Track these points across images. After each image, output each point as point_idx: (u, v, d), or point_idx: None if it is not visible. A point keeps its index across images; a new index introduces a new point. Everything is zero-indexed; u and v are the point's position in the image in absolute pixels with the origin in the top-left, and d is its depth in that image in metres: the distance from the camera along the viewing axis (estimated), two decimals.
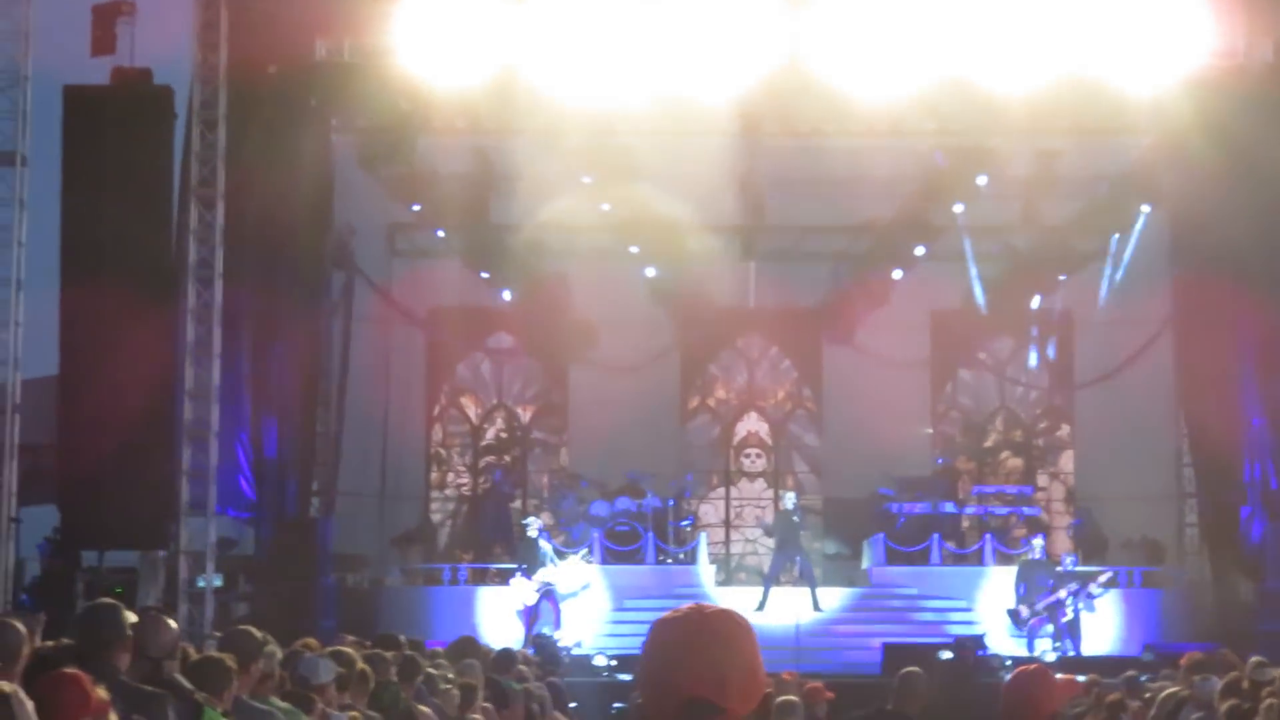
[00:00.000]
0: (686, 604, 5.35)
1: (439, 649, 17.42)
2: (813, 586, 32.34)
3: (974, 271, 36.73)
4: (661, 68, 29.48)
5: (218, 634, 17.60)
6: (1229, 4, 29.21)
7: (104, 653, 9.06)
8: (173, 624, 10.34)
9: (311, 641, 14.73)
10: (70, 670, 8.41)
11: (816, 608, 31.89)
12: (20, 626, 8.80)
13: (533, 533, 31.35)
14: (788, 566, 33.31)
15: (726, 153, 34.14)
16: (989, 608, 31.82)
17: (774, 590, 32.60)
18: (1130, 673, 20.11)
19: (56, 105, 29.54)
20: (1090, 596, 30.41)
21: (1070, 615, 30.29)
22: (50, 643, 11.23)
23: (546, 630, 30.16)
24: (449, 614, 31.85)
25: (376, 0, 29.31)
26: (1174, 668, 20.05)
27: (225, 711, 10.27)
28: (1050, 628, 30.33)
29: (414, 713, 13.34)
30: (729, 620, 5.23)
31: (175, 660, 10.31)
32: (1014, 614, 30.46)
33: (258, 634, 11.74)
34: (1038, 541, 32.01)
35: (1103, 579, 30.79)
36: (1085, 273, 36.40)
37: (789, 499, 34.03)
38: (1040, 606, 30.36)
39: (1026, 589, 30.68)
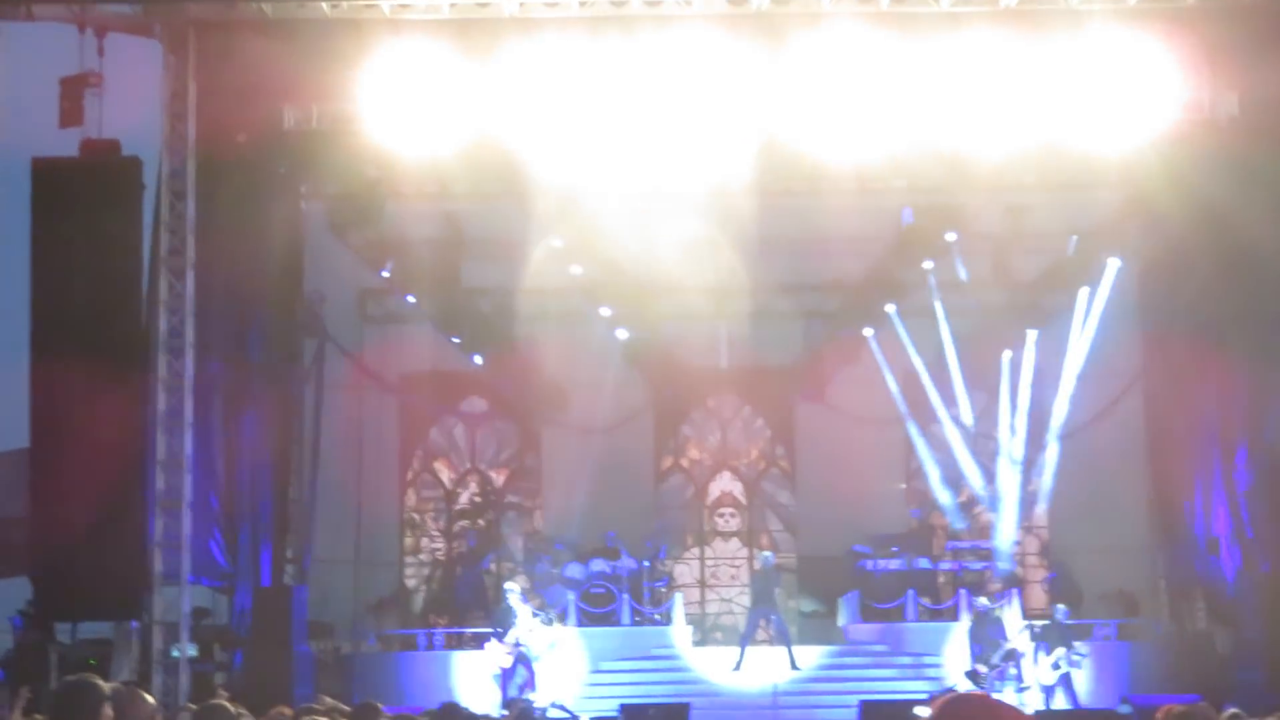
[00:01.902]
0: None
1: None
2: (788, 645, 32.31)
3: (944, 328, 36.78)
4: (630, 130, 29.54)
5: (193, 706, 17.53)
6: (1194, 59, 29.36)
7: None
8: (149, 698, 10.30)
9: (286, 710, 14.69)
10: None
11: (794, 666, 31.85)
12: None
13: (514, 599, 31.24)
14: (763, 625, 33.28)
15: (696, 214, 34.26)
16: (961, 663, 31.74)
17: (750, 650, 32.57)
18: None
19: (24, 178, 29.52)
20: (1080, 655, 30.54)
21: (1065, 669, 30.40)
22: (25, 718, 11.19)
23: (525, 693, 30.08)
24: (425, 679, 31.74)
25: (344, 67, 29.36)
26: None
27: None
28: (1012, 670, 30.37)
29: None
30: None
31: None
32: (973, 675, 30.41)
33: (232, 708, 11.70)
34: (982, 599, 32.07)
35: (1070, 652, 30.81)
36: (1055, 327, 36.46)
37: (763, 558, 34.02)
38: (996, 660, 30.40)
39: (981, 648, 30.73)
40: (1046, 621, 31.90)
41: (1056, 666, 30.66)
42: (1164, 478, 34.73)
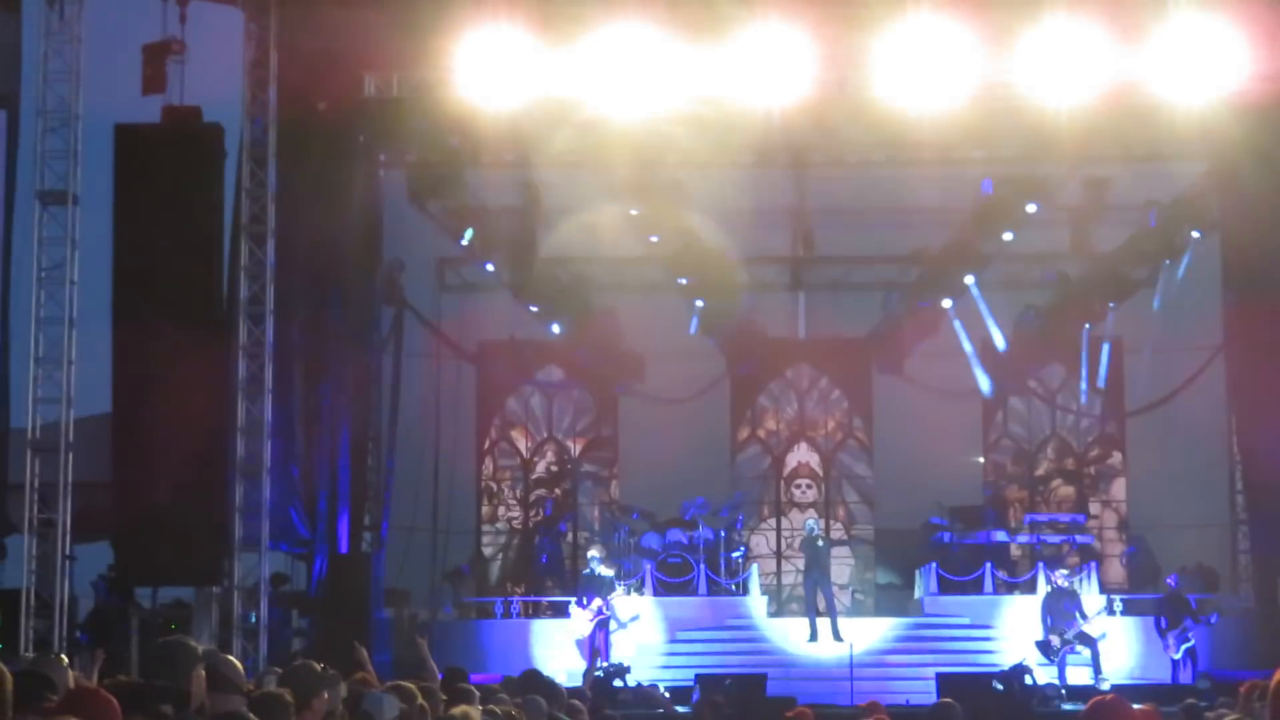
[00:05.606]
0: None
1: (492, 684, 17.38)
2: (833, 616, 32.14)
3: (1024, 300, 36.60)
4: (710, 99, 29.47)
5: (278, 669, 17.62)
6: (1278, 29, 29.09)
7: (173, 688, 9.07)
8: (237, 664, 10.36)
9: (370, 677, 14.71)
10: (94, 687, 8.46)
11: (837, 638, 31.51)
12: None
13: (599, 567, 31.32)
14: (817, 592, 32.97)
15: (775, 184, 34.19)
16: (1032, 636, 31.49)
17: (820, 619, 32.35)
18: (1189, 700, 19.94)
19: (107, 144, 29.67)
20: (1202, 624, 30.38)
21: (1192, 642, 30.17)
22: (108, 680, 11.26)
23: (599, 662, 30.14)
24: (503, 647, 31.87)
25: (425, 35, 29.35)
26: (1232, 695, 19.87)
27: None
28: (1086, 653, 30.12)
29: None
30: None
31: (241, 696, 10.32)
32: (1044, 645, 30.20)
33: (319, 669, 11.71)
34: (1061, 571, 31.82)
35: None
36: (1136, 299, 36.25)
37: (810, 525, 33.79)
38: (1070, 635, 30.14)
39: (1054, 619, 30.48)
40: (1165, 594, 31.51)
41: (1183, 640, 30.30)
42: (1250, 451, 34.44)
